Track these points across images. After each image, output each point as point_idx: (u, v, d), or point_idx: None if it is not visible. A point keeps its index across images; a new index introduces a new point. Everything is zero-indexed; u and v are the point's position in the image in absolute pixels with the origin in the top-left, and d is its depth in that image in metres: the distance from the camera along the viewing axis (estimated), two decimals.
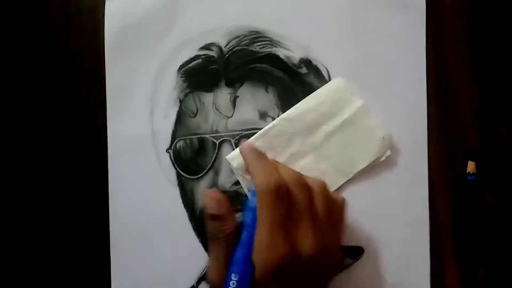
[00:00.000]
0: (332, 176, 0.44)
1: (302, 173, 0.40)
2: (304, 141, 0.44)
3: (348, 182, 0.44)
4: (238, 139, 0.44)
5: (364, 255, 0.44)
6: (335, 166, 0.44)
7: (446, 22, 0.45)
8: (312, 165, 0.44)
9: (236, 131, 0.45)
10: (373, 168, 0.44)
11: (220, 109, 0.45)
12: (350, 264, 0.44)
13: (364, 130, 0.44)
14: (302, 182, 0.38)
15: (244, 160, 0.41)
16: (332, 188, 0.43)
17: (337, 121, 0.44)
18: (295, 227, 0.36)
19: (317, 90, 0.44)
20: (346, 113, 0.44)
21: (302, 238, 0.36)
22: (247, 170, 0.41)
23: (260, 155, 0.40)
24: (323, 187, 0.39)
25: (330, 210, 0.38)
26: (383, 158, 0.44)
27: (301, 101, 0.44)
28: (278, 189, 0.36)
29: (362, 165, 0.44)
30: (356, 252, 0.44)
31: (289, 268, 0.35)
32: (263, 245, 0.35)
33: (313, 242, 0.36)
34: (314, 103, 0.44)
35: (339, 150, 0.44)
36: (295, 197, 0.37)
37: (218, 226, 0.39)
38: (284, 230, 0.36)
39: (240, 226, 0.38)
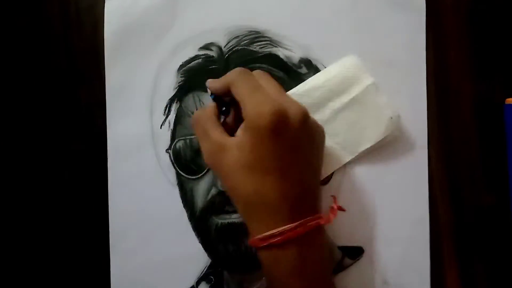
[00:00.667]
0: (338, 153, 0.43)
1: None
2: None
3: (348, 182, 0.44)
4: None
5: (364, 255, 0.44)
6: (340, 144, 0.43)
7: (446, 22, 0.45)
8: None
9: None
10: (373, 168, 0.44)
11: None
12: (350, 264, 0.44)
13: (372, 109, 0.43)
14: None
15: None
16: (336, 165, 0.43)
17: (345, 98, 0.43)
18: (275, 92, 0.37)
19: (328, 67, 0.44)
20: (354, 91, 0.43)
21: (285, 97, 0.37)
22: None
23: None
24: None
25: None
26: (390, 138, 0.43)
27: (310, 77, 0.44)
28: (243, 70, 0.39)
29: (368, 144, 0.43)
30: (356, 252, 0.44)
31: (281, 124, 0.35)
32: (250, 105, 0.35)
33: (300, 106, 0.37)
34: (322, 79, 0.43)
35: (346, 127, 0.43)
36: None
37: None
38: (263, 92, 0.36)
39: None
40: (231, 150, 0.36)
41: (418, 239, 0.44)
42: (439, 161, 0.44)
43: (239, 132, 0.37)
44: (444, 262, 0.44)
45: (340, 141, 0.43)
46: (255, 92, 0.36)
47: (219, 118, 0.40)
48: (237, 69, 0.39)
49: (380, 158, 0.44)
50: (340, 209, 0.40)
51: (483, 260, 0.44)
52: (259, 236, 0.35)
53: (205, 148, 0.38)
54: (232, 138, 0.37)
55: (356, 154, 0.43)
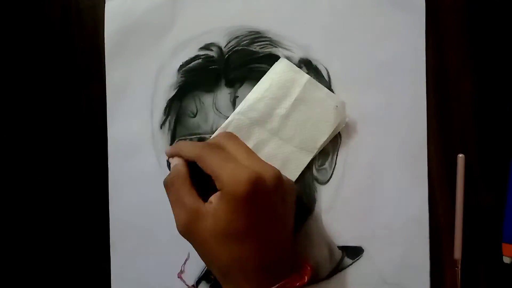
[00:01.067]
0: (298, 155, 0.44)
1: (269, 160, 0.39)
2: (262, 130, 0.44)
3: (348, 182, 0.44)
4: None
5: (364, 255, 0.44)
6: (298, 146, 0.44)
7: (446, 22, 0.45)
8: (276, 150, 0.44)
9: None
10: (373, 168, 0.44)
11: (220, 109, 0.45)
12: (350, 264, 0.44)
13: (316, 104, 0.44)
14: None
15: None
16: (300, 167, 0.44)
17: (288, 102, 0.44)
18: (247, 159, 0.37)
19: (263, 77, 0.44)
20: (295, 92, 0.44)
21: (258, 162, 0.37)
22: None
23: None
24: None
25: None
26: (342, 126, 0.44)
27: (249, 92, 0.44)
28: (208, 144, 0.39)
29: (323, 139, 0.44)
30: (356, 252, 0.44)
31: (258, 189, 0.35)
32: (226, 175, 0.35)
33: (273, 169, 0.37)
34: (262, 90, 0.44)
35: (298, 129, 0.44)
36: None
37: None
38: (235, 162, 0.37)
39: None
40: (206, 218, 0.36)
41: (418, 239, 0.44)
42: (439, 161, 0.44)
43: (214, 199, 0.36)
44: (444, 262, 0.44)
45: (297, 143, 0.44)
46: (226, 162, 0.36)
47: (191, 181, 0.39)
48: (200, 143, 0.39)
49: (380, 157, 0.44)
50: (312, 268, 0.41)
51: (482, 260, 0.44)
52: None
53: (179, 216, 0.37)
54: (207, 204, 0.37)
55: (316, 150, 0.44)
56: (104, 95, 0.46)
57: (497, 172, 0.44)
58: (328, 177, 0.45)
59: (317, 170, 0.45)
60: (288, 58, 0.45)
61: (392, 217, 0.44)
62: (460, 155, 0.44)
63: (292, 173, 0.43)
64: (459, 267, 0.44)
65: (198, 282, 0.45)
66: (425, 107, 0.44)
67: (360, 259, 0.44)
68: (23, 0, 0.48)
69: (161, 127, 0.46)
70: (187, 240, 0.38)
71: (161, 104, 0.46)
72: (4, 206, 0.47)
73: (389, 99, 0.45)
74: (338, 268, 0.44)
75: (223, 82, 0.45)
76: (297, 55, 0.45)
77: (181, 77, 0.46)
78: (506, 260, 0.43)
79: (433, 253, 0.44)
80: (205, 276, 0.45)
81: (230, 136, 0.41)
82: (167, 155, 0.42)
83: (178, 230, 0.37)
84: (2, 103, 0.48)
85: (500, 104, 0.44)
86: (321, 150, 0.44)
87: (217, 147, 0.39)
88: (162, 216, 0.45)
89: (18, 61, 0.48)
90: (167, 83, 0.46)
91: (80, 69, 0.47)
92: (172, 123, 0.46)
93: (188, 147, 0.39)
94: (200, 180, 0.38)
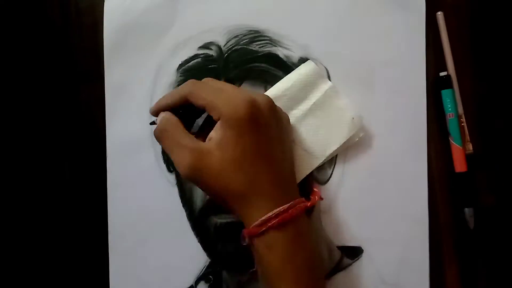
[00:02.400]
0: (307, 159, 0.43)
1: None
2: None
3: (347, 182, 0.44)
4: None
5: (363, 255, 0.44)
6: (308, 149, 0.44)
7: (446, 22, 0.45)
8: None
9: None
10: (373, 168, 0.44)
11: None
12: (349, 264, 0.44)
13: (333, 112, 0.44)
14: None
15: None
16: (307, 170, 0.43)
17: (306, 105, 0.44)
18: (234, 88, 0.38)
19: (287, 76, 0.44)
20: (314, 97, 0.44)
21: (254, 94, 0.38)
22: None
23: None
24: None
25: None
26: (357, 139, 0.44)
27: (270, 88, 0.44)
28: (195, 80, 0.39)
29: (334, 147, 0.43)
30: (355, 252, 0.44)
31: (255, 111, 0.36)
32: (222, 103, 0.36)
33: (265, 95, 0.38)
34: (282, 89, 0.44)
35: (311, 133, 0.44)
36: None
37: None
38: (227, 91, 0.37)
39: None
40: (211, 154, 0.36)
41: (417, 239, 0.44)
42: (439, 160, 0.44)
43: (214, 133, 0.36)
44: (444, 262, 0.44)
45: (307, 147, 0.44)
46: (219, 92, 0.37)
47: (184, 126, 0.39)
48: (188, 81, 0.39)
49: (379, 158, 0.44)
50: (320, 197, 0.41)
51: (483, 260, 0.44)
52: (256, 223, 0.35)
53: (182, 159, 0.37)
54: (207, 142, 0.37)
55: (325, 157, 0.44)
56: (104, 95, 0.46)
57: (499, 172, 0.44)
58: (328, 177, 0.45)
59: (317, 170, 0.45)
60: (287, 57, 0.45)
61: (391, 217, 0.44)
62: (439, 13, 0.45)
63: (298, 175, 0.43)
64: (464, 121, 0.44)
65: (197, 281, 0.45)
66: (425, 106, 0.44)
67: (360, 259, 0.44)
68: (23, 0, 0.48)
69: None
70: (193, 181, 0.37)
71: None
72: (2, 206, 0.47)
73: (389, 98, 0.45)
74: (338, 268, 0.44)
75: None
76: (297, 54, 0.45)
77: (180, 76, 0.46)
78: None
79: (433, 253, 0.44)
80: (204, 276, 0.45)
81: (214, 78, 0.40)
82: (151, 113, 0.41)
83: (182, 173, 0.37)
84: (1, 102, 0.48)
85: (500, 104, 0.44)
86: None
87: (205, 82, 0.39)
88: (161, 216, 0.46)
89: (17, 61, 0.48)
90: (166, 82, 0.46)
91: (79, 69, 0.47)
92: None
93: (173, 93, 0.40)
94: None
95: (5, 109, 0.48)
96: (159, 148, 0.46)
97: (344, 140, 0.43)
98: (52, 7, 0.48)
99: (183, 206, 0.45)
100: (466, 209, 0.44)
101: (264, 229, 0.35)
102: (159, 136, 0.39)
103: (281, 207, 0.36)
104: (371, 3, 0.45)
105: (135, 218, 0.46)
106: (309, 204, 0.38)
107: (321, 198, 0.42)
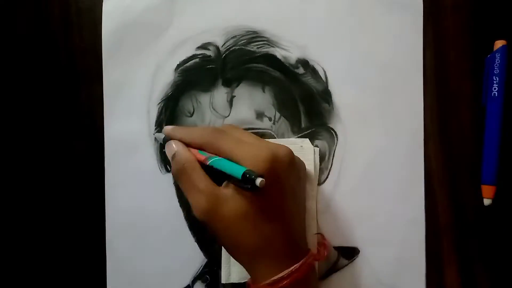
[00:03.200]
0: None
1: None
2: None
3: (344, 182, 0.44)
4: None
5: (360, 255, 0.44)
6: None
7: (446, 21, 0.45)
8: None
9: None
10: (369, 168, 0.44)
11: (217, 109, 0.45)
12: (346, 265, 0.44)
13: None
14: None
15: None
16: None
17: None
18: (257, 140, 0.38)
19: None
20: None
21: (268, 142, 0.38)
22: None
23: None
24: None
25: None
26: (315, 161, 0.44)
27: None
28: (216, 129, 0.39)
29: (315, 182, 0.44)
30: (352, 253, 0.44)
31: (276, 166, 0.35)
32: (244, 154, 0.35)
33: (286, 148, 0.37)
34: None
35: None
36: None
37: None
38: (248, 143, 0.37)
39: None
40: (227, 202, 0.35)
41: (414, 239, 0.44)
42: (438, 160, 0.44)
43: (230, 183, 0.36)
44: (444, 261, 0.44)
45: None
46: (240, 143, 0.36)
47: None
48: (207, 128, 0.39)
49: (376, 158, 0.44)
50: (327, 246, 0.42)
51: (482, 259, 0.44)
52: (268, 281, 0.35)
53: (197, 203, 0.36)
54: (224, 188, 0.36)
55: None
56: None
57: (498, 172, 0.44)
58: (325, 178, 0.45)
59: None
60: (285, 58, 0.45)
61: (388, 218, 0.44)
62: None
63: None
64: None
65: (194, 281, 0.45)
66: (422, 107, 0.44)
67: (356, 259, 0.44)
68: (23, 0, 0.48)
69: (157, 126, 0.46)
70: (207, 226, 0.37)
71: (158, 103, 0.46)
72: (0, 205, 0.47)
73: (385, 99, 0.45)
74: (334, 268, 0.44)
75: (220, 82, 0.45)
76: (295, 55, 0.45)
77: (178, 76, 0.46)
78: (486, 202, 0.43)
79: (433, 253, 0.44)
80: (201, 276, 0.45)
81: (234, 125, 0.40)
82: (165, 133, 0.41)
83: (197, 216, 0.36)
84: (1, 101, 0.48)
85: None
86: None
87: (225, 132, 0.38)
88: (159, 215, 0.46)
89: (17, 61, 0.48)
90: (164, 82, 0.46)
91: (80, 69, 0.47)
92: (169, 122, 0.46)
93: (193, 134, 0.39)
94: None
95: (4, 109, 0.48)
96: (156, 148, 0.46)
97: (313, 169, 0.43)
98: (52, 7, 0.48)
99: (180, 206, 0.45)
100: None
101: None
102: (177, 176, 0.39)
103: (292, 267, 0.35)
104: (369, 4, 0.45)
105: (133, 218, 0.46)
106: (318, 258, 0.39)
107: (328, 248, 0.42)
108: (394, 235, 0.44)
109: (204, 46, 0.46)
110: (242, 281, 0.42)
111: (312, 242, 0.42)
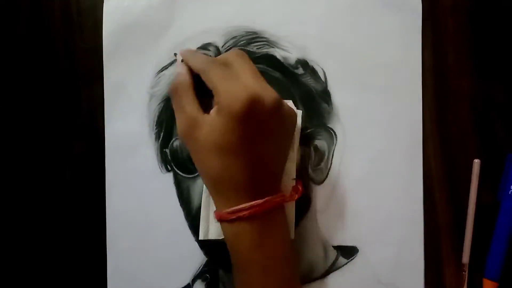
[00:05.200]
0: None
1: None
2: None
3: (343, 182, 0.45)
4: None
5: (358, 255, 0.44)
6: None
7: (445, 22, 0.45)
8: None
9: None
10: (368, 168, 0.44)
11: None
12: (344, 264, 0.44)
13: None
14: None
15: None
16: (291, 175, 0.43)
17: None
18: (249, 78, 0.37)
19: None
20: None
21: (260, 83, 0.37)
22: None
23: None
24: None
25: None
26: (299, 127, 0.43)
27: None
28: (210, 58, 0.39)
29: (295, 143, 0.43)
30: (351, 252, 0.44)
31: (255, 109, 0.36)
32: (224, 91, 0.36)
33: (273, 94, 0.37)
34: None
35: None
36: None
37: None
38: (237, 79, 0.37)
39: None
40: (203, 127, 0.37)
41: (413, 239, 0.44)
42: (437, 160, 0.44)
43: (213, 112, 0.37)
44: (443, 261, 0.44)
45: None
46: (227, 79, 0.37)
47: (195, 90, 0.40)
48: (207, 58, 0.40)
49: (375, 158, 0.45)
50: (302, 190, 0.42)
51: (482, 259, 0.44)
52: (228, 210, 0.37)
53: (179, 121, 0.39)
54: (206, 115, 0.37)
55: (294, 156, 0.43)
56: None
57: (497, 172, 0.44)
58: (324, 177, 0.45)
59: (313, 170, 0.45)
60: (285, 58, 0.45)
61: (387, 217, 0.44)
62: (476, 160, 0.44)
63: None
64: (467, 271, 0.43)
65: (194, 280, 0.46)
66: (421, 107, 0.45)
67: (355, 259, 0.44)
68: (24, 0, 0.48)
69: (158, 126, 0.46)
70: (185, 145, 0.39)
71: (159, 103, 0.46)
72: (1, 204, 0.48)
73: (385, 99, 0.45)
74: (333, 267, 0.44)
75: None
76: (294, 55, 0.45)
77: None
78: None
79: (432, 253, 0.44)
80: (201, 275, 0.45)
81: (240, 54, 0.40)
82: (180, 54, 0.42)
83: (178, 135, 0.39)
84: (2, 101, 0.48)
85: (499, 104, 0.45)
86: (316, 150, 0.45)
87: (223, 63, 0.39)
88: (159, 215, 0.46)
89: (17, 61, 0.48)
90: (164, 82, 0.46)
91: (81, 70, 0.47)
92: (169, 122, 0.46)
93: (196, 59, 0.40)
94: (206, 91, 0.39)
95: (4, 109, 0.48)
96: (156, 148, 0.46)
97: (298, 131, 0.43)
98: (53, 7, 0.48)
99: (181, 205, 0.46)
100: None
101: (233, 217, 0.37)
102: (169, 95, 0.41)
103: (254, 202, 0.37)
104: (368, 4, 0.45)
105: (133, 217, 0.46)
106: (286, 200, 0.39)
107: (301, 192, 0.42)
108: (393, 234, 0.44)
109: (204, 47, 0.46)
110: (220, 238, 0.42)
111: (287, 188, 0.42)
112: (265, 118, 0.36)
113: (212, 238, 0.42)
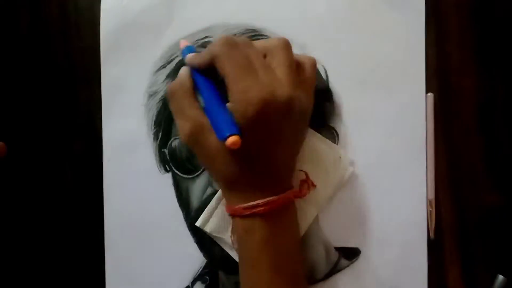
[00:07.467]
0: (306, 211, 0.43)
1: None
2: None
3: (346, 183, 0.44)
4: None
5: (361, 256, 0.44)
6: (307, 201, 0.43)
7: (448, 20, 0.45)
8: None
9: None
10: (371, 169, 0.44)
11: None
12: (347, 266, 0.44)
13: (320, 157, 0.43)
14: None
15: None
16: (309, 219, 0.43)
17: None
18: (265, 74, 0.36)
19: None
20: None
21: (275, 81, 0.36)
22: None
23: None
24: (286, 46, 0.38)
25: (297, 65, 0.39)
26: (346, 178, 0.43)
27: None
28: (230, 40, 0.36)
29: (329, 192, 0.43)
30: (353, 254, 0.44)
31: (268, 111, 0.35)
32: (237, 91, 0.35)
33: (287, 84, 0.36)
34: None
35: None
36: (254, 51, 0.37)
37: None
38: (252, 75, 0.35)
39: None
40: (210, 132, 0.37)
41: (416, 241, 0.44)
42: (441, 160, 0.44)
43: None
44: (446, 262, 0.44)
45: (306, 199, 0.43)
46: (244, 73, 0.35)
47: (194, 92, 0.39)
48: (222, 40, 0.36)
49: (377, 158, 0.44)
50: (312, 184, 0.43)
51: (486, 260, 0.44)
52: (244, 205, 0.37)
53: (183, 127, 0.38)
54: None
55: (322, 206, 0.44)
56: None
57: (501, 171, 0.44)
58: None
59: None
60: None
61: (389, 219, 0.44)
62: (429, 94, 0.44)
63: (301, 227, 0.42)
64: (433, 208, 0.43)
65: (193, 282, 0.45)
66: (423, 106, 0.44)
67: (357, 260, 0.44)
68: (22, 0, 0.48)
69: (156, 126, 0.46)
70: (191, 149, 0.39)
71: (157, 102, 0.46)
72: (1, 206, 0.47)
73: (387, 98, 0.44)
74: (335, 269, 0.44)
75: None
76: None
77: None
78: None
79: (435, 253, 0.44)
80: (200, 277, 0.45)
81: (285, 46, 0.38)
82: (192, 66, 0.40)
83: (182, 139, 0.38)
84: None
85: (502, 103, 0.44)
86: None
87: (237, 50, 0.36)
88: (158, 215, 0.45)
89: (15, 61, 0.47)
90: (163, 81, 0.46)
91: (79, 69, 0.47)
92: (168, 122, 0.46)
93: (208, 49, 0.37)
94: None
95: (3, 108, 0.48)
96: (155, 148, 0.46)
97: (338, 180, 0.43)
98: (51, 6, 0.47)
99: (180, 206, 0.45)
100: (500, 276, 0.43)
101: (248, 213, 0.37)
102: (168, 96, 0.40)
103: (271, 198, 0.37)
104: (370, 2, 0.45)
105: (132, 218, 0.46)
106: (299, 195, 0.41)
107: (314, 186, 0.43)
108: (396, 235, 0.44)
109: (203, 45, 0.45)
110: (213, 234, 0.42)
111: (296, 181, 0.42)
112: (278, 117, 0.36)
113: (207, 230, 0.43)
